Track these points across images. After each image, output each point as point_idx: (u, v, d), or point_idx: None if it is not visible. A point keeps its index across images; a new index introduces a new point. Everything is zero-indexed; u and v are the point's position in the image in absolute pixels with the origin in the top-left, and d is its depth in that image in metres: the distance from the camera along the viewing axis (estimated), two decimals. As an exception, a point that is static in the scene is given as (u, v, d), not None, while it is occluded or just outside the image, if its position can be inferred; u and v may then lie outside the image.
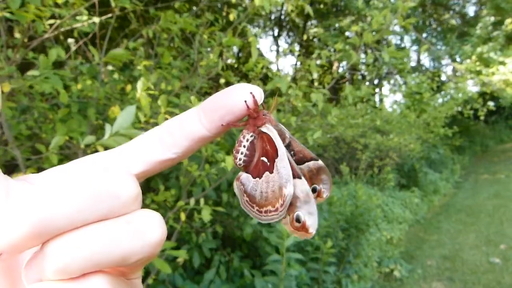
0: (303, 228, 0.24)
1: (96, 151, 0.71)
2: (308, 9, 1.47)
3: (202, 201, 1.23)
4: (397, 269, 2.82)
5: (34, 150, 1.15)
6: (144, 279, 1.26)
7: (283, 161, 0.24)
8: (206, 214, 1.13)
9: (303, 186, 0.25)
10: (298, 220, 0.24)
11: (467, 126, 8.90)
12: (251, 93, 0.21)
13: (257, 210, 0.25)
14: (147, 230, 0.16)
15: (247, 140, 0.25)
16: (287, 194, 0.24)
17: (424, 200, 4.90)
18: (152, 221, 0.17)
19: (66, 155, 1.13)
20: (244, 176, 0.25)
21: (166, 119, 1.14)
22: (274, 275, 1.64)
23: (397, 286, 2.67)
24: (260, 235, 1.85)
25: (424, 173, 5.36)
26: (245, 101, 0.21)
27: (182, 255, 0.96)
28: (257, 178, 0.25)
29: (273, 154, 0.24)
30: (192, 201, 1.22)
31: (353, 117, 3.82)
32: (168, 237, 1.52)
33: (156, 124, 1.10)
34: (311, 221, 0.24)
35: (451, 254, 3.23)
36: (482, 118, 6.08)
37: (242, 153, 0.25)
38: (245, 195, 0.25)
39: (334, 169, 4.61)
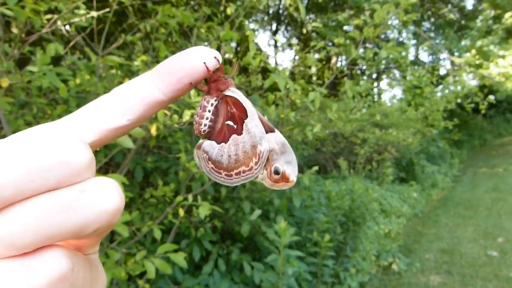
0: (283, 178, 0.24)
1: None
2: (300, 7, 1.44)
3: (200, 198, 1.23)
4: (396, 263, 2.84)
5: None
6: (143, 274, 1.26)
7: (254, 120, 0.24)
8: (203, 211, 1.13)
9: (277, 138, 0.25)
10: (276, 172, 0.24)
11: (465, 120, 8.91)
12: (215, 57, 0.21)
13: (225, 174, 0.24)
14: (104, 197, 0.16)
15: (212, 105, 0.24)
16: (263, 151, 0.24)
17: (423, 194, 4.91)
18: (108, 188, 0.16)
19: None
20: (207, 143, 0.24)
21: (165, 114, 1.14)
22: (273, 271, 1.65)
23: (395, 279, 2.69)
24: (259, 230, 1.86)
25: (423, 167, 5.37)
26: (205, 63, 0.20)
27: (180, 262, 0.96)
28: (223, 143, 0.24)
29: (241, 116, 0.24)
30: (190, 197, 1.22)
31: (351, 111, 3.81)
32: (167, 232, 1.53)
33: (156, 119, 1.09)
34: (290, 169, 0.24)
35: (449, 247, 3.25)
36: (483, 111, 6.07)
37: (207, 118, 0.24)
38: (209, 162, 0.24)
39: (333, 163, 4.62)
